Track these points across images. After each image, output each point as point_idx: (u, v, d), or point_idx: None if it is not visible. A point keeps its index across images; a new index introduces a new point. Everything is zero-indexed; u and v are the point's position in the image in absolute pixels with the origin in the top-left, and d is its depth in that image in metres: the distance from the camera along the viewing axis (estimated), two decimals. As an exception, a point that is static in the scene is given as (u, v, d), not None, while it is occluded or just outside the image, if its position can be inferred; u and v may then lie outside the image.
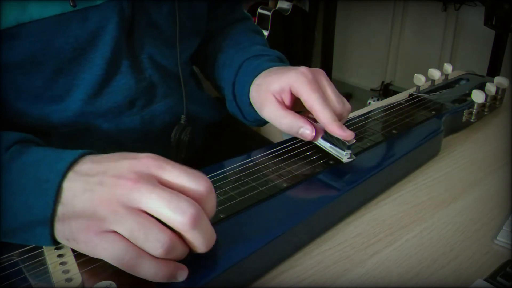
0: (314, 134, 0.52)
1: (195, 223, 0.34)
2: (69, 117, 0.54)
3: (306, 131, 0.52)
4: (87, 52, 0.51)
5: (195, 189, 0.35)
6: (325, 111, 0.50)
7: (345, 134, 0.49)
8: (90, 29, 0.50)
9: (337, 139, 0.50)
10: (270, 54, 0.65)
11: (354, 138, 0.50)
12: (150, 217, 0.34)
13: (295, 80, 0.52)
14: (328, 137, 0.52)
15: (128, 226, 0.33)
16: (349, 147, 0.50)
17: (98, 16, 0.50)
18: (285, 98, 0.54)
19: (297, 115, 0.53)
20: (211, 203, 0.37)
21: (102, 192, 0.35)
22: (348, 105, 0.54)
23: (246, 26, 0.74)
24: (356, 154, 0.52)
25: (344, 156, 0.50)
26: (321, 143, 0.53)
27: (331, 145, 0.52)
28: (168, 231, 0.34)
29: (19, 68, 0.49)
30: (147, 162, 0.36)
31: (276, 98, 0.54)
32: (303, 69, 0.53)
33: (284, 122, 0.53)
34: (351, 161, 0.50)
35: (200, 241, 0.35)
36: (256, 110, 0.58)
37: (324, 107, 0.50)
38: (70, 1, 0.47)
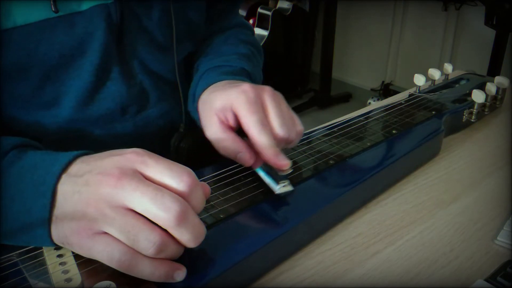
0: (252, 161, 0.47)
1: (180, 219, 0.33)
2: (60, 124, 0.53)
3: (243, 157, 0.47)
4: (75, 59, 0.50)
5: (178, 184, 0.35)
6: (261, 135, 0.45)
7: (279, 163, 0.45)
8: (77, 36, 0.49)
9: (272, 167, 0.46)
10: (232, 65, 0.60)
11: (291, 168, 0.45)
12: (138, 216, 0.34)
13: (235, 99, 0.47)
14: (265, 164, 0.47)
15: (117, 227, 0.33)
16: (283, 178, 0.46)
17: (85, 22, 0.49)
18: (229, 117, 0.48)
19: (238, 139, 0.48)
20: (197, 198, 0.36)
21: (88, 192, 0.34)
22: (299, 128, 0.49)
23: (234, 34, 0.70)
24: (356, 154, 0.52)
25: (277, 188, 0.45)
26: (258, 171, 0.48)
27: (265, 175, 0.47)
28: (158, 230, 0.34)
29: (5, 75, 0.48)
30: (131, 157, 0.35)
31: (219, 118, 0.49)
32: (245, 86, 0.48)
33: (221, 146, 0.48)
34: (287, 192, 0.45)
35: (187, 237, 0.34)
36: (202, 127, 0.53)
37: (260, 131, 0.45)
38: (52, 7, 0.46)
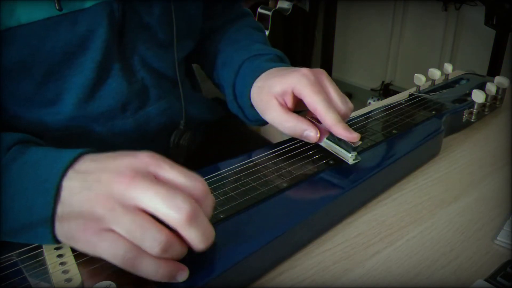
0: (318, 136, 0.51)
1: (191, 219, 0.34)
2: (61, 121, 0.53)
3: (310, 134, 0.51)
4: (77, 56, 0.51)
5: (191, 190, 0.35)
6: (329, 113, 0.49)
7: (351, 136, 0.49)
8: (80, 33, 0.50)
9: (342, 140, 0.50)
10: (269, 53, 0.64)
11: (360, 139, 0.49)
12: (147, 216, 0.34)
13: (297, 82, 0.51)
14: (332, 138, 0.51)
15: (125, 225, 0.33)
16: (354, 149, 0.50)
17: (88, 20, 0.50)
18: (288, 100, 0.53)
19: (300, 118, 0.52)
20: (208, 205, 0.37)
21: (99, 189, 0.35)
22: (350, 104, 0.53)
23: (245, 23, 0.73)
24: (357, 154, 0.52)
25: (350, 158, 0.50)
26: (326, 144, 0.52)
27: (337, 147, 0.51)
28: (165, 230, 0.34)
29: (8, 72, 0.48)
30: (146, 160, 0.36)
31: (278, 101, 0.53)
32: (304, 70, 0.52)
33: (287, 126, 0.52)
34: (357, 162, 0.50)
35: (197, 238, 0.35)
36: (259, 112, 0.57)
37: (328, 109, 0.49)
38: (56, 5, 0.47)
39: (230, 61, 0.65)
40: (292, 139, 0.55)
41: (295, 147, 0.54)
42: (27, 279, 0.35)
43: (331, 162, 0.51)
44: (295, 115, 0.53)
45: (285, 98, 0.53)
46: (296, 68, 0.54)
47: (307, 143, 0.54)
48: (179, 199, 0.34)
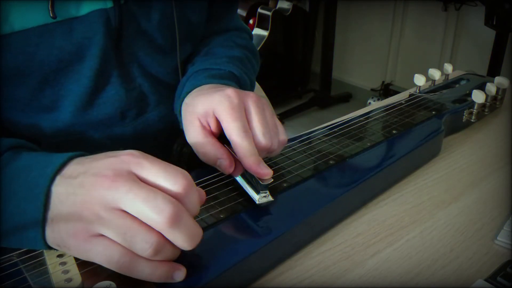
0: (231, 168, 0.46)
1: (173, 221, 0.33)
2: (59, 128, 0.53)
3: (223, 163, 0.46)
4: (74, 63, 0.50)
5: (172, 186, 0.34)
6: (243, 142, 0.44)
7: (262, 172, 0.43)
8: (76, 41, 0.49)
9: (254, 176, 0.44)
10: (221, 69, 0.58)
11: (271, 177, 0.44)
12: (134, 218, 0.33)
13: (217, 104, 0.46)
14: (247, 173, 0.46)
15: (114, 230, 0.33)
16: (264, 187, 0.44)
17: (84, 27, 0.49)
18: (211, 122, 0.47)
19: (218, 145, 0.47)
20: (192, 201, 0.35)
21: (83, 194, 0.34)
22: (282, 137, 0.48)
23: (231, 37, 0.69)
24: (356, 154, 0.52)
25: (257, 197, 0.44)
26: (239, 180, 0.47)
27: (246, 185, 0.46)
28: (154, 231, 0.33)
29: (4, 78, 0.48)
30: (126, 159, 0.35)
31: (201, 123, 0.48)
32: (229, 91, 0.46)
33: (201, 151, 0.47)
34: (267, 203, 0.44)
35: (182, 239, 0.34)
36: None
37: (242, 138, 0.44)
38: (50, 12, 0.46)
39: (187, 72, 0.61)
40: (292, 139, 0.55)
41: (295, 148, 0.54)
42: (27, 279, 0.35)
43: (331, 162, 0.51)
44: (213, 141, 0.47)
45: (208, 120, 0.47)
46: (224, 88, 0.49)
47: (307, 144, 0.54)
48: (160, 201, 0.33)
